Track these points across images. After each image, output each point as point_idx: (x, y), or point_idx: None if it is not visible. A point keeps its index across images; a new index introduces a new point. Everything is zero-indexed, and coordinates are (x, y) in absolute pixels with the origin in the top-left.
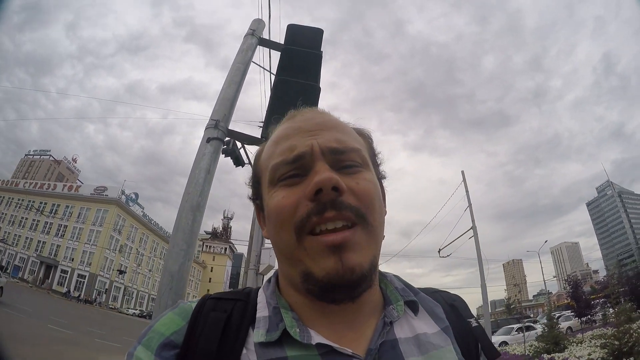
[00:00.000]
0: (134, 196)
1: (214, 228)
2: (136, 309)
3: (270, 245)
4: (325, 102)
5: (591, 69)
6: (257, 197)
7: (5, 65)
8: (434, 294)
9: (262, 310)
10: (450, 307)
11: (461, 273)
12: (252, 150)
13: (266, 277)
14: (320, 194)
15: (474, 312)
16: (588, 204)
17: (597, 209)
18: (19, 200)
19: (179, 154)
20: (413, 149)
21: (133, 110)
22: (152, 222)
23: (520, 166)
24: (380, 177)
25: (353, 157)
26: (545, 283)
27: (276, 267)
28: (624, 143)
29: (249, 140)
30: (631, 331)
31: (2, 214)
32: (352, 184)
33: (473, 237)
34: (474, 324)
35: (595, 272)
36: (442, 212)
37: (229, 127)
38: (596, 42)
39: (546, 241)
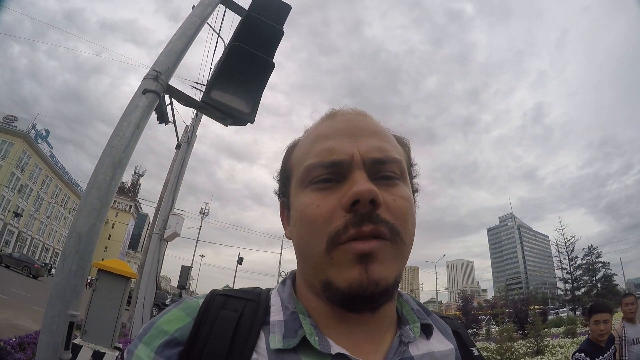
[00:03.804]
0: (44, 132)
1: (122, 182)
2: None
3: (179, 212)
4: None
5: (522, 113)
6: (284, 194)
7: None
8: (442, 319)
9: (277, 314)
10: (455, 333)
11: None
12: (178, 109)
13: (281, 278)
14: (357, 205)
15: None
16: (489, 230)
17: (496, 235)
18: None
19: (103, 97)
20: None
21: (66, 39)
22: (59, 165)
23: (435, 183)
24: (414, 189)
25: (393, 168)
26: (437, 292)
27: (280, 267)
28: (533, 184)
29: (187, 100)
30: (512, 349)
31: None
32: (389, 200)
33: None
34: (476, 352)
35: (484, 290)
36: None
37: (169, 83)
38: (533, 92)
39: (444, 255)
